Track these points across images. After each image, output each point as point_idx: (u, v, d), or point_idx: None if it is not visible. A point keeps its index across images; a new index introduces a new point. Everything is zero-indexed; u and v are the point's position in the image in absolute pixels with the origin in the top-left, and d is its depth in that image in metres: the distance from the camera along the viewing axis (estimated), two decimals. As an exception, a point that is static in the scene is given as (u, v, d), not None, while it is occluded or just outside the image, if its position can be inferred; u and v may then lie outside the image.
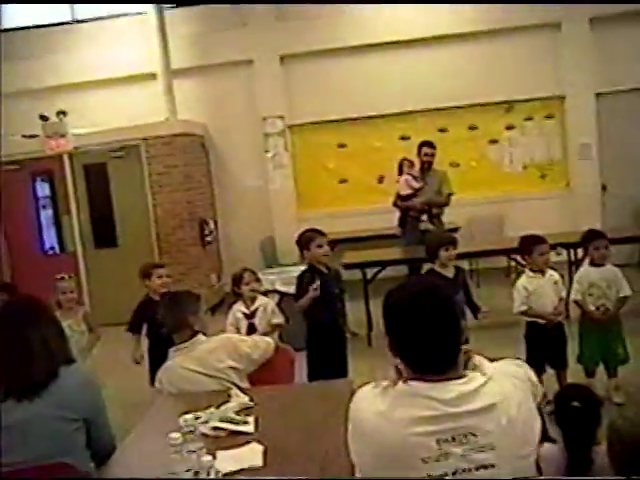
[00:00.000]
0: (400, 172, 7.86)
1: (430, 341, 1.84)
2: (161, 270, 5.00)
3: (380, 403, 1.88)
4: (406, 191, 7.69)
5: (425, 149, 7.70)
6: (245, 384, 3.36)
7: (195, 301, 3.46)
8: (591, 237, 4.81)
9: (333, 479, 2.35)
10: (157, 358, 4.79)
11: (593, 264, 4.76)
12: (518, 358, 2.25)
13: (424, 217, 7.58)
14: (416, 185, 7.66)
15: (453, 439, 1.77)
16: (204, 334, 3.41)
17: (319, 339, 4.61)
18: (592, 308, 4.70)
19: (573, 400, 2.57)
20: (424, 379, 1.84)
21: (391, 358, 1.96)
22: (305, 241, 4.61)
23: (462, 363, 1.91)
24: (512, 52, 9.25)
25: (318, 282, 4.48)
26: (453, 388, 1.81)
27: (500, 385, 1.86)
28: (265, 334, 4.65)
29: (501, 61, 9.25)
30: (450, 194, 7.69)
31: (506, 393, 1.85)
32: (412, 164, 7.85)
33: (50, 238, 9.47)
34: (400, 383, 1.89)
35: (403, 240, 7.82)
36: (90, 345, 4.95)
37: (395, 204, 7.84)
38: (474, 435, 1.78)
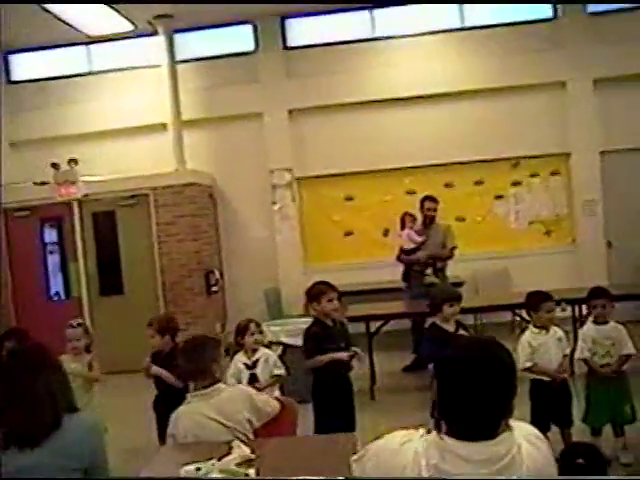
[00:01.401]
0: (402, 226, 7.88)
1: (473, 404, 1.80)
2: (146, 331, 4.98)
3: (418, 443, 1.86)
4: (409, 245, 7.72)
5: (427, 203, 7.74)
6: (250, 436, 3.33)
7: (216, 347, 3.44)
8: (594, 295, 4.81)
9: (335, 479, 2.32)
10: (164, 410, 4.79)
11: (596, 322, 4.75)
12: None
13: (429, 271, 7.58)
14: (418, 239, 7.68)
15: None
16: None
17: (326, 392, 4.59)
18: (598, 366, 4.67)
19: (578, 457, 2.54)
20: (458, 437, 1.81)
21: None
22: (315, 294, 4.60)
23: (505, 424, 1.84)
24: (519, 109, 9.40)
25: (347, 354, 4.54)
26: (485, 450, 1.78)
27: (525, 443, 1.84)
28: (267, 386, 4.69)
29: (508, 118, 9.38)
30: (454, 247, 7.71)
31: (531, 450, 1.83)
32: (414, 218, 7.87)
33: (56, 284, 9.51)
34: (434, 434, 1.87)
35: (407, 294, 7.82)
36: (88, 393, 4.90)
37: (399, 258, 7.86)
38: None
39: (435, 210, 7.75)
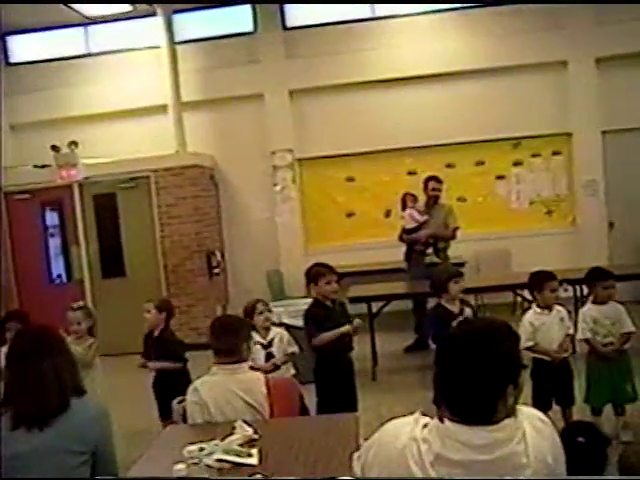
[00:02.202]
0: (404, 207, 7.88)
1: (469, 387, 1.79)
2: (144, 305, 5.10)
3: (418, 431, 1.85)
4: (411, 225, 7.71)
5: (432, 183, 7.73)
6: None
7: (248, 328, 3.56)
8: (598, 276, 4.80)
9: (332, 478, 2.34)
10: (164, 390, 4.85)
11: (596, 302, 4.76)
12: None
13: (429, 250, 7.58)
14: (420, 219, 7.67)
15: None
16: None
17: (328, 372, 4.62)
18: (600, 346, 4.68)
19: (578, 436, 2.55)
20: (459, 421, 1.80)
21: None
22: (314, 276, 4.64)
23: (504, 410, 1.80)
24: (520, 89, 9.35)
25: (350, 327, 4.56)
26: (486, 435, 1.77)
27: (530, 429, 1.82)
28: (282, 363, 4.78)
29: (509, 98, 9.34)
30: (456, 228, 7.70)
31: (535, 436, 1.82)
32: (415, 198, 7.87)
33: (58, 267, 9.52)
34: (435, 420, 1.86)
35: (409, 274, 7.83)
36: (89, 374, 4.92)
37: (401, 238, 7.85)
38: None
39: (439, 190, 7.73)
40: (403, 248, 7.91)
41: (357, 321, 4.66)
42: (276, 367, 4.71)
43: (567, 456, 2.18)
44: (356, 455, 2.07)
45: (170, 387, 4.57)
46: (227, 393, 3.29)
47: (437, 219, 7.68)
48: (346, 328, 4.58)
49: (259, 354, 4.73)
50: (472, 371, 1.78)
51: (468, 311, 4.95)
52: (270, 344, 4.79)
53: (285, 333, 4.97)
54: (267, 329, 4.85)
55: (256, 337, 4.78)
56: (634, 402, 4.71)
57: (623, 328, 4.69)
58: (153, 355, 5.01)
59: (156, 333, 5.05)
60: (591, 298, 4.83)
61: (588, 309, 4.78)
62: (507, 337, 1.87)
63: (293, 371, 4.83)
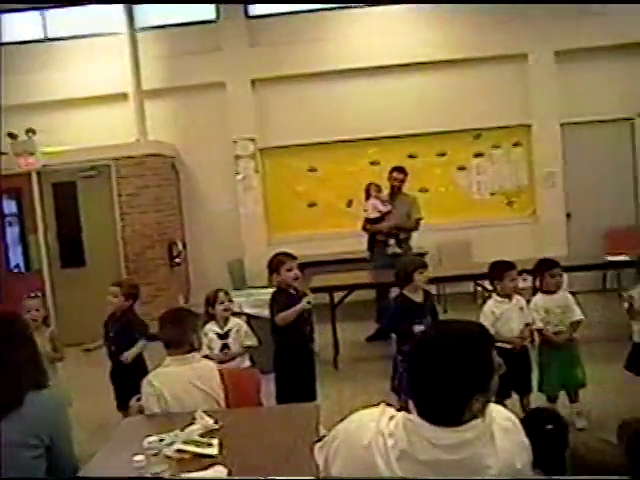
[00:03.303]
0: (367, 196, 7.91)
1: (436, 390, 1.79)
2: (110, 289, 5.06)
3: (384, 424, 1.86)
4: (374, 214, 7.75)
5: (395, 174, 7.76)
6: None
7: (196, 319, 3.61)
8: (545, 265, 4.90)
9: (331, 478, 2.35)
10: (121, 380, 4.83)
11: (546, 292, 4.84)
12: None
13: (392, 241, 7.63)
14: (383, 209, 7.71)
15: None
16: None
17: (287, 361, 4.62)
18: (552, 335, 4.77)
19: (542, 423, 2.58)
20: (426, 420, 1.80)
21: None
22: (275, 265, 4.64)
23: (472, 413, 1.80)
24: (481, 81, 9.44)
25: (308, 300, 4.56)
26: (452, 435, 1.77)
27: (498, 431, 1.83)
28: (238, 355, 4.76)
29: (470, 89, 9.42)
30: (419, 219, 7.76)
31: (503, 439, 1.82)
32: (379, 188, 7.91)
33: (16, 256, 9.37)
34: (403, 414, 1.87)
35: (372, 264, 7.87)
36: (53, 364, 4.89)
37: (364, 228, 7.89)
38: None
39: (402, 181, 7.76)
40: (365, 238, 7.95)
41: (309, 297, 4.64)
42: (229, 359, 4.70)
43: (533, 442, 2.20)
44: (318, 445, 2.06)
45: (128, 376, 4.55)
46: (182, 382, 3.32)
47: (400, 210, 7.72)
48: (302, 305, 4.53)
49: (215, 344, 4.72)
50: (443, 375, 1.78)
51: (431, 301, 4.99)
52: (227, 335, 4.78)
53: (244, 325, 4.96)
54: (226, 319, 4.84)
55: (214, 327, 4.78)
56: (584, 387, 4.80)
57: (573, 317, 4.79)
58: (114, 336, 4.97)
59: (118, 313, 5.02)
60: (541, 289, 4.91)
61: (539, 299, 4.85)
62: (482, 342, 1.87)
63: (248, 363, 4.82)
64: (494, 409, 1.89)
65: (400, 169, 7.81)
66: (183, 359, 3.38)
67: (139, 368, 4.63)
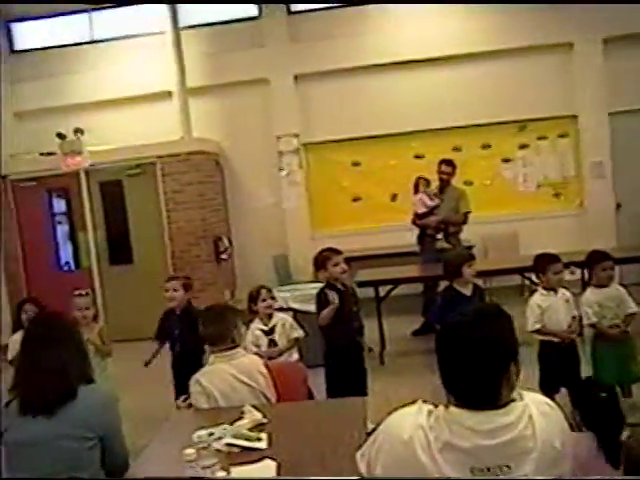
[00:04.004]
0: (416, 190, 7.86)
1: (469, 373, 1.82)
2: (168, 284, 5.11)
3: (424, 419, 1.87)
4: (422, 209, 7.70)
5: (442, 167, 7.69)
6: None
7: (236, 315, 3.62)
8: (596, 258, 4.80)
9: (335, 478, 2.35)
10: (182, 371, 4.87)
11: (597, 285, 4.74)
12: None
13: (440, 235, 7.58)
14: (431, 203, 7.66)
15: (488, 470, 1.76)
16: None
17: (337, 356, 4.64)
18: (608, 329, 4.67)
19: (596, 391, 2.56)
20: (464, 406, 1.83)
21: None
22: (322, 261, 4.66)
23: (509, 392, 1.84)
24: (526, 71, 9.29)
25: (334, 293, 4.55)
26: (492, 419, 1.79)
27: (536, 413, 1.83)
28: (286, 349, 4.78)
29: (515, 80, 9.29)
30: (467, 212, 7.67)
31: (542, 420, 1.83)
32: (428, 182, 7.85)
33: (66, 254, 9.57)
34: (441, 407, 1.88)
35: (420, 257, 7.83)
36: (103, 360, 4.97)
37: (413, 222, 7.84)
38: (508, 467, 1.77)
39: (449, 174, 7.67)
40: (413, 232, 7.90)
41: (333, 293, 4.59)
42: (278, 355, 4.71)
43: (589, 411, 2.18)
44: (359, 454, 2.06)
45: (191, 365, 4.54)
46: (228, 379, 3.34)
47: (448, 203, 7.65)
48: (332, 302, 4.52)
49: (262, 341, 4.75)
50: (466, 358, 1.82)
51: (480, 294, 4.96)
52: (272, 330, 4.80)
53: (289, 318, 4.98)
54: (270, 316, 4.86)
55: (258, 324, 4.80)
56: (639, 381, 4.71)
57: (627, 309, 4.69)
58: (177, 332, 5.00)
59: (178, 311, 5.06)
60: (593, 282, 4.80)
61: (591, 293, 4.74)
62: (496, 320, 1.90)
63: (296, 356, 4.84)
64: (531, 395, 1.91)
65: (448, 162, 7.74)
66: (227, 355, 3.40)
67: (202, 357, 4.63)
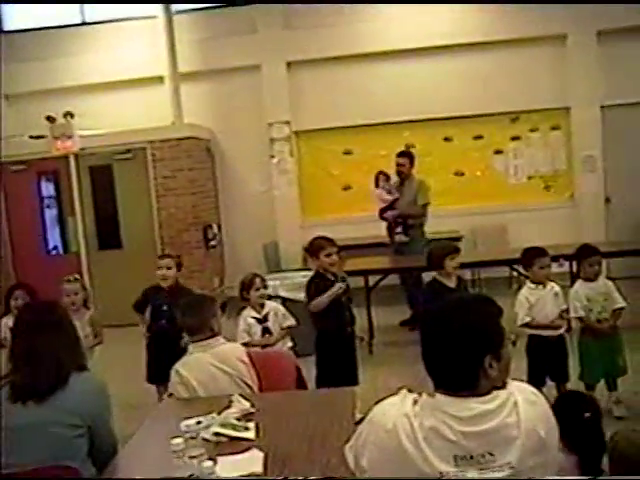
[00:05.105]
0: (377, 185, 7.85)
1: (446, 358, 1.84)
2: (162, 262, 5.12)
3: (408, 407, 1.88)
4: (381, 205, 7.69)
5: (397, 159, 7.66)
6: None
7: (213, 304, 3.62)
8: (584, 253, 4.82)
9: (334, 478, 2.35)
10: (155, 354, 4.88)
11: (585, 279, 4.75)
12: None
13: (398, 229, 7.56)
14: (388, 197, 7.63)
15: (471, 457, 1.77)
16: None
17: (328, 345, 4.65)
18: (595, 323, 4.69)
19: (578, 408, 2.55)
20: (447, 393, 1.84)
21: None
22: (315, 249, 4.66)
23: (491, 381, 1.83)
24: (519, 63, 9.28)
25: (341, 284, 4.56)
26: (474, 406, 1.80)
27: (522, 401, 1.84)
28: (280, 338, 4.76)
29: (508, 72, 9.27)
30: (425, 204, 7.60)
31: (527, 408, 1.83)
32: (387, 177, 7.81)
33: (54, 238, 9.51)
34: (425, 395, 1.89)
35: (389, 249, 7.84)
36: (91, 348, 4.95)
37: (380, 216, 7.84)
38: (492, 454, 1.77)
39: (404, 165, 7.61)
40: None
41: (341, 282, 4.64)
42: (272, 344, 4.71)
43: (569, 429, 2.18)
44: (347, 446, 2.07)
45: (167, 347, 4.51)
46: (208, 368, 3.35)
47: (407, 197, 7.59)
48: (336, 288, 4.56)
49: (255, 329, 4.74)
50: (443, 343, 1.85)
51: (464, 286, 4.97)
52: (266, 319, 4.79)
53: (280, 307, 4.98)
54: (262, 305, 4.85)
55: (251, 312, 4.79)
56: (624, 375, 4.74)
57: (614, 304, 4.71)
58: (166, 307, 4.96)
59: (167, 287, 5.07)
60: (581, 276, 4.82)
61: (580, 287, 4.76)
62: (482, 308, 1.91)
63: (290, 344, 4.84)
64: (516, 383, 1.92)
65: (404, 153, 7.71)
66: (205, 344, 3.41)
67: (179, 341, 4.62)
